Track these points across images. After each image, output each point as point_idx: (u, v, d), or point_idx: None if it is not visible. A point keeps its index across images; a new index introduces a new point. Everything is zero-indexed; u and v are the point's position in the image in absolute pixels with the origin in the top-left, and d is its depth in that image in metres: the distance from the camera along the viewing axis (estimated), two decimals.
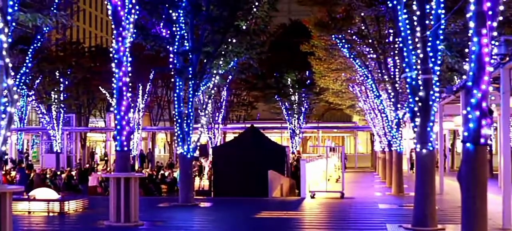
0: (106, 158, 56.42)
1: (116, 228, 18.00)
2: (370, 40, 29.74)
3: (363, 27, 29.72)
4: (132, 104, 51.93)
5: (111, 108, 62.15)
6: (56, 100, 50.34)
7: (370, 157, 61.46)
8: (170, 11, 23.60)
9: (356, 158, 55.58)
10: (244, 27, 24.19)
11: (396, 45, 29.00)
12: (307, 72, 48.44)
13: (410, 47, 17.32)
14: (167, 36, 24.19)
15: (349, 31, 29.54)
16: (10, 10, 12.82)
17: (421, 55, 17.04)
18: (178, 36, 23.72)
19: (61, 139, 52.76)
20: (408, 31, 17.42)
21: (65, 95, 51.55)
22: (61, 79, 50.71)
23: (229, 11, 23.73)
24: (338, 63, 34.62)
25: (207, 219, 20.96)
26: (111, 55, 18.82)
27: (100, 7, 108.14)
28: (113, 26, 18.70)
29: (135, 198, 18.40)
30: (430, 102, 17.18)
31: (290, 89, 49.33)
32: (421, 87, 17.06)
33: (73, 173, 37.07)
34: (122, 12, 18.56)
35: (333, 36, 29.68)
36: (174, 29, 23.85)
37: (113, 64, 18.82)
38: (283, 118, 52.49)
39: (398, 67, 29.36)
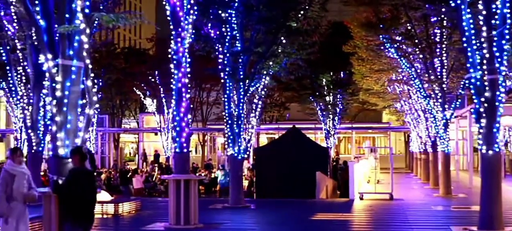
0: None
1: None
2: (416, 40, 29.44)
3: (409, 27, 29.42)
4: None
5: (145, 109, 62.54)
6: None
7: (404, 157, 61.09)
8: (220, 12, 23.41)
9: (391, 159, 54.96)
10: (295, 28, 23.95)
11: (443, 45, 28.77)
12: (342, 73, 48.20)
13: (474, 47, 17.05)
14: (216, 36, 24.01)
15: (395, 31, 29.21)
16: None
17: (487, 55, 16.77)
18: (228, 37, 23.54)
19: (95, 140, 52.76)
20: (472, 31, 17.16)
21: (99, 96, 51.50)
22: (95, 80, 50.64)
23: (281, 12, 23.49)
24: (381, 64, 34.27)
25: (265, 221, 20.74)
26: (170, 56, 18.63)
27: (128, 8, 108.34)
28: (171, 27, 18.53)
29: (194, 200, 18.25)
30: (496, 103, 16.91)
31: (325, 90, 49.01)
32: (487, 88, 16.78)
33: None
34: (181, 13, 18.43)
35: (380, 36, 29.31)
36: (223, 29, 23.68)
37: (171, 66, 18.67)
38: (317, 119, 52.15)
39: (445, 67, 29.06)
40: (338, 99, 49.61)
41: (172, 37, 18.59)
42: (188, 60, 18.63)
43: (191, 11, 18.75)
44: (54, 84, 12.08)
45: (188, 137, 18.55)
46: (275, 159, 30.13)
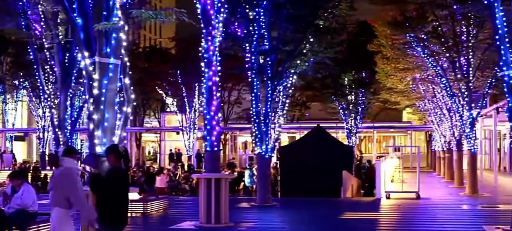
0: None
1: (207, 230, 17.79)
2: (442, 39, 29.27)
3: (436, 26, 29.26)
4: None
5: (166, 109, 62.67)
6: None
7: (426, 156, 60.71)
8: (247, 10, 23.35)
9: (412, 157, 54.74)
10: (323, 26, 23.87)
11: (470, 44, 28.59)
12: (364, 72, 47.98)
13: (507, 45, 16.90)
14: (242, 35, 23.96)
15: (422, 30, 29.04)
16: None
17: None
18: (255, 36, 23.49)
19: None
20: (505, 29, 17.02)
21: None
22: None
23: (310, 10, 23.41)
24: (406, 63, 34.08)
25: (294, 220, 20.63)
26: (201, 55, 18.60)
27: (149, 7, 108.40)
28: (202, 25, 18.49)
29: (225, 198, 18.19)
30: None
31: (347, 89, 48.83)
32: None
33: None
34: (211, 11, 18.39)
35: (407, 35, 29.15)
36: (251, 28, 23.62)
37: (202, 64, 18.65)
38: (339, 118, 51.97)
39: (472, 65, 28.88)
40: (360, 99, 49.39)
41: (202, 36, 18.55)
42: (219, 58, 18.61)
43: (222, 10, 18.71)
44: (91, 82, 12.07)
45: (218, 135, 18.53)
46: (300, 158, 30.05)
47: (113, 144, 11.52)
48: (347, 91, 48.85)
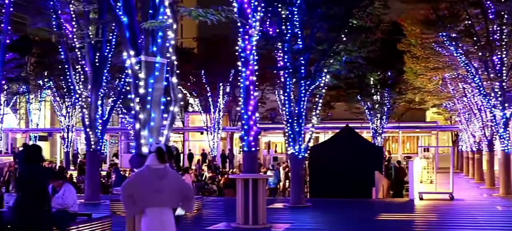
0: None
1: (245, 230, 17.60)
2: (475, 38, 28.92)
3: (468, 24, 28.92)
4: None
5: (189, 108, 62.56)
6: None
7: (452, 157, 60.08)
8: (279, 9, 23.15)
9: (437, 158, 54.29)
10: (358, 25, 23.61)
11: (503, 42, 28.22)
12: (389, 71, 47.59)
13: None
14: (275, 34, 23.76)
15: (454, 28, 28.70)
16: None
17: None
18: (288, 35, 23.28)
19: None
20: None
21: None
22: None
23: (345, 9, 23.15)
24: (436, 62, 33.72)
25: (331, 221, 20.40)
26: (238, 54, 18.41)
27: None
28: (239, 24, 18.30)
29: (262, 199, 17.97)
30: None
31: (373, 88, 48.46)
32: None
33: None
34: (248, 10, 18.21)
35: (440, 34, 28.82)
36: (283, 27, 23.41)
37: (239, 63, 18.46)
38: (364, 118, 51.59)
39: (505, 65, 28.52)
40: (386, 98, 49.02)
41: (239, 35, 18.37)
42: (256, 57, 18.42)
43: (258, 8, 18.52)
44: (137, 82, 11.89)
45: (256, 135, 18.35)
46: (329, 158, 29.73)
47: (165, 144, 11.30)
48: (372, 91, 48.49)
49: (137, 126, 11.90)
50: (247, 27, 18.14)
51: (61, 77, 47.44)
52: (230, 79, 51.57)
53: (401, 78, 44.51)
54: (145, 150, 11.73)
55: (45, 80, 52.55)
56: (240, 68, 18.49)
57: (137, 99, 11.88)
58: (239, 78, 18.87)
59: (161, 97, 11.98)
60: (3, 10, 21.10)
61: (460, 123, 45.03)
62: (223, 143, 58.86)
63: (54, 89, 52.65)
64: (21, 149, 38.49)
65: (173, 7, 11.53)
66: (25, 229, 10.44)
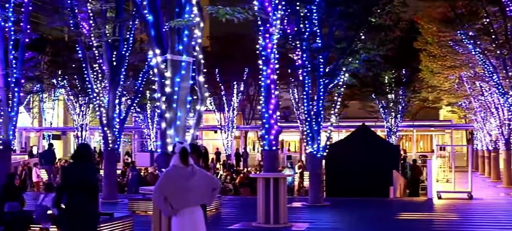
0: None
1: (267, 230, 17.49)
2: (493, 36, 28.75)
3: (486, 22, 28.75)
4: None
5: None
6: (151, 100, 50.36)
7: (466, 155, 59.82)
8: (297, 8, 23.02)
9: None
10: (377, 23, 23.47)
11: None
12: (404, 69, 47.35)
13: None
14: (293, 33, 23.64)
15: (472, 26, 28.54)
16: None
17: None
18: (307, 33, 23.16)
19: (155, 138, 52.95)
20: None
21: None
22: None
23: (363, 7, 23.02)
24: (453, 60, 33.54)
25: (351, 220, 20.25)
26: (259, 52, 18.31)
27: None
28: (259, 23, 18.20)
29: (284, 198, 17.87)
30: None
31: (387, 87, 48.22)
32: None
33: None
34: (269, 8, 18.09)
35: (458, 32, 28.66)
36: (301, 26, 23.29)
37: (260, 62, 18.36)
38: (378, 117, 51.38)
39: None
40: (401, 97, 48.80)
41: (260, 34, 18.26)
42: (276, 56, 18.33)
43: (279, 7, 18.41)
44: (163, 80, 11.83)
45: (277, 134, 18.25)
46: (345, 157, 29.55)
47: (193, 143, 11.24)
48: (387, 90, 48.28)
49: (163, 124, 11.85)
50: (268, 25, 18.03)
51: (75, 76, 47.52)
52: (244, 78, 51.51)
53: (416, 77, 44.31)
54: (171, 149, 11.67)
55: (59, 79, 52.51)
56: (260, 66, 18.38)
57: (163, 98, 11.84)
58: (256, 77, 18.79)
59: (187, 96, 11.95)
60: (22, 9, 21.04)
61: (476, 122, 44.78)
62: (236, 141, 58.79)
63: (68, 88, 52.61)
64: (46, 148, 38.52)
65: (200, 5, 11.45)
66: (82, 228, 10.42)
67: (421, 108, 58.38)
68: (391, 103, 48.70)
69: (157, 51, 11.86)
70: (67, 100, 54.54)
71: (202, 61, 12.02)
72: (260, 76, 18.70)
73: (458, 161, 47.72)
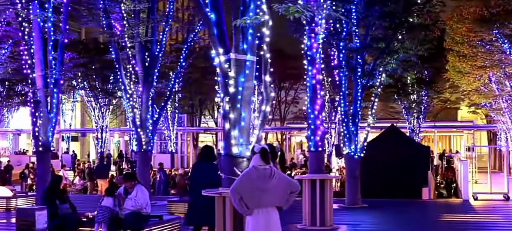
0: None
1: None
2: None
3: None
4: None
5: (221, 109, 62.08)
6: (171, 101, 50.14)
7: (489, 156, 59.39)
8: (333, 6, 22.74)
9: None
10: (417, 23, 23.20)
11: None
12: (426, 70, 46.96)
13: None
14: (329, 33, 23.38)
15: (508, 26, 28.24)
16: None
17: None
18: (344, 33, 22.91)
19: (175, 139, 52.83)
20: None
21: (180, 95, 51.44)
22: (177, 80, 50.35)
23: (402, 6, 22.74)
24: (484, 60, 33.20)
25: (394, 222, 20.02)
26: (304, 52, 18.09)
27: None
28: (304, 22, 17.95)
29: (330, 200, 17.64)
30: None
31: (410, 87, 47.87)
32: None
33: None
34: (314, 7, 17.83)
35: (494, 31, 28.36)
36: (338, 25, 23.05)
37: (305, 62, 18.14)
38: (400, 117, 51.09)
39: None
40: (423, 97, 48.46)
41: (305, 34, 18.04)
42: (322, 56, 18.10)
43: (324, 6, 18.15)
44: (226, 80, 11.60)
45: (323, 135, 18.02)
46: (376, 158, 29.18)
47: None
48: (410, 90, 47.92)
49: (227, 125, 11.60)
50: (313, 24, 17.80)
51: (94, 77, 47.41)
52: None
53: (440, 77, 43.95)
54: (235, 150, 11.46)
55: (79, 80, 52.34)
56: (305, 67, 18.14)
57: (227, 99, 11.59)
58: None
59: (251, 96, 11.72)
60: (61, 9, 20.86)
61: (502, 122, 44.38)
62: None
63: (88, 90, 52.43)
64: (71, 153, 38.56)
65: (269, 3, 11.23)
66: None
67: (442, 109, 58.04)
68: (414, 104, 48.34)
69: (220, 50, 11.61)
70: (87, 102, 54.40)
71: (270, 60, 11.76)
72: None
73: (481, 162, 47.52)
